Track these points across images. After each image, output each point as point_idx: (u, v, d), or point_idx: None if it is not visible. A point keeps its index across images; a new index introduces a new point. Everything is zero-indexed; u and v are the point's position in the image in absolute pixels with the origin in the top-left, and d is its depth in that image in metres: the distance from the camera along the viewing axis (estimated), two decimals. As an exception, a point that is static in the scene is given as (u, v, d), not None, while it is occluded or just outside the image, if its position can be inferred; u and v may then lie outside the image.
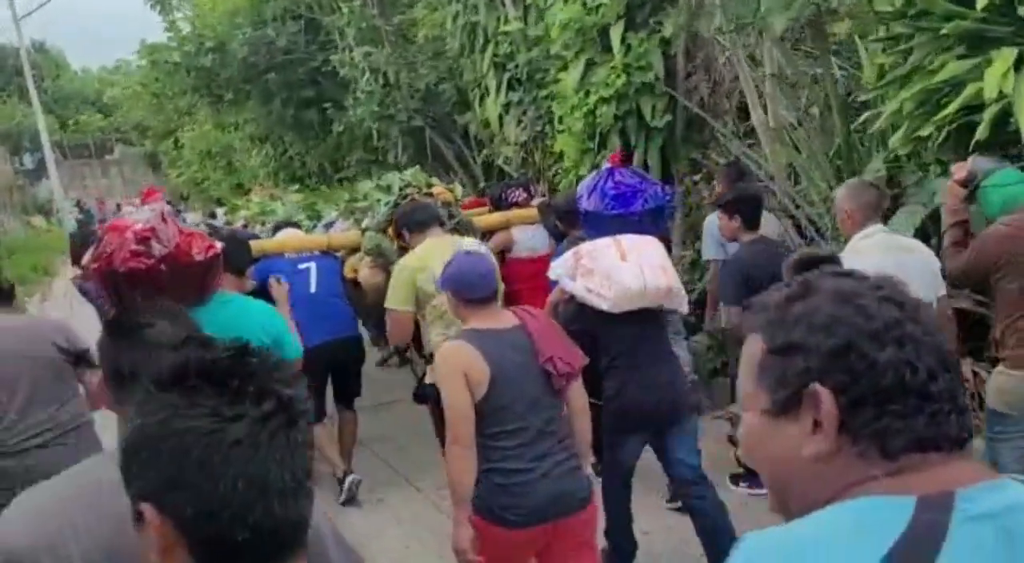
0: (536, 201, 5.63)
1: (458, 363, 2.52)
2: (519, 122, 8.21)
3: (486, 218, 5.39)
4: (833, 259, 2.75)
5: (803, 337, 0.88)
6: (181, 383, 0.86)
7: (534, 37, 7.86)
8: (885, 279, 0.93)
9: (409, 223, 4.20)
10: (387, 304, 3.91)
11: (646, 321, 3.35)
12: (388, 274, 4.35)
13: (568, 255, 3.51)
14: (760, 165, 6.02)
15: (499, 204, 5.62)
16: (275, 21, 11.11)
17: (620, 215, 3.74)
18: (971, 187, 3.16)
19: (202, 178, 28.09)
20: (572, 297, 3.40)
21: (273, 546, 0.86)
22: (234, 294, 3.14)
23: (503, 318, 2.69)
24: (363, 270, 4.99)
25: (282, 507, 0.85)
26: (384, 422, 6.02)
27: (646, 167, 6.53)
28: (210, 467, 0.82)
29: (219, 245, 2.85)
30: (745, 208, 4.12)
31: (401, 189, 5.07)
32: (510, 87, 8.26)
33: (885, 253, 3.23)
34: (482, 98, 8.71)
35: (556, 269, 3.50)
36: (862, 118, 4.76)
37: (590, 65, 6.63)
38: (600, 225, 3.72)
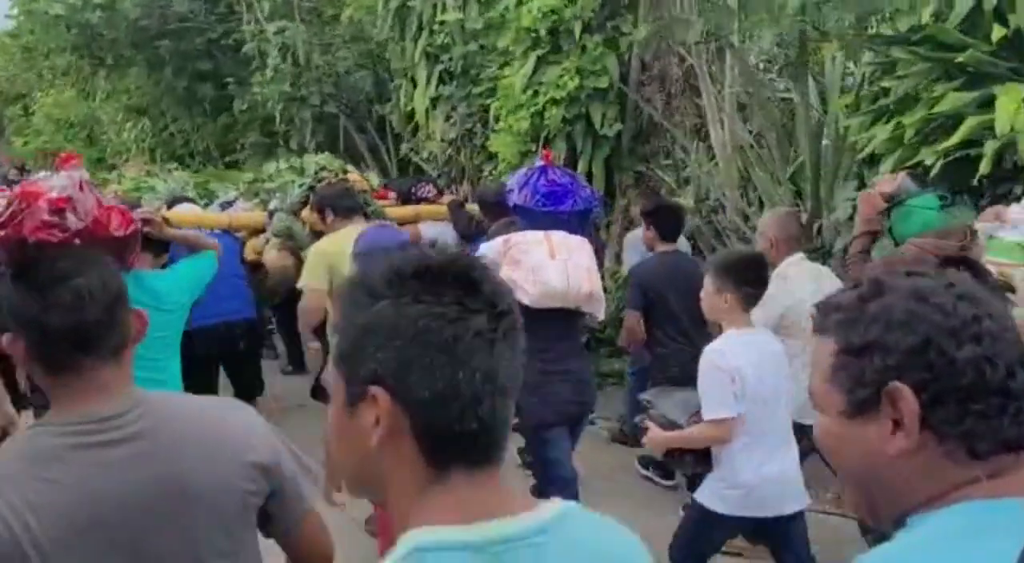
0: (446, 198, 5.55)
1: None
2: (448, 117, 7.79)
3: (395, 210, 5.23)
4: (759, 260, 2.94)
5: (880, 335, 0.88)
6: (422, 277, 0.84)
7: (472, 30, 7.49)
8: (957, 276, 0.93)
9: (336, 206, 4.06)
10: (302, 283, 3.83)
11: (564, 318, 3.37)
12: (297, 258, 4.26)
13: (499, 241, 3.44)
14: (703, 184, 5.93)
15: (407, 198, 5.51)
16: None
17: (550, 213, 3.77)
18: (893, 203, 3.15)
19: (54, 148, 25.74)
20: None
21: (490, 443, 0.86)
22: (149, 272, 3.05)
23: None
24: (270, 252, 4.87)
25: (503, 405, 0.86)
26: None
27: (590, 176, 6.31)
28: (453, 353, 0.82)
29: (138, 221, 2.67)
30: (664, 220, 4.24)
31: (316, 172, 4.92)
32: (441, 80, 7.84)
33: (813, 280, 3.45)
34: (408, 89, 8.23)
35: (485, 253, 3.37)
36: (850, 140, 4.67)
37: (540, 63, 6.34)
38: (529, 221, 3.72)
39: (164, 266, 3.43)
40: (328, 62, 8.80)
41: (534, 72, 6.31)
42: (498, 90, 7.26)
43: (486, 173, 7.52)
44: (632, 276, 4.32)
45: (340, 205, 4.06)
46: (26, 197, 2.49)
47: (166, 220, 3.44)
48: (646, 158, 6.55)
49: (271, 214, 4.83)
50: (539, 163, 4.04)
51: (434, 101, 7.88)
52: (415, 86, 8.16)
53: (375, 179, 5.77)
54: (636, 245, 4.86)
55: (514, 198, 3.90)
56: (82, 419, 1.27)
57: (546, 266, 3.25)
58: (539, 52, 6.30)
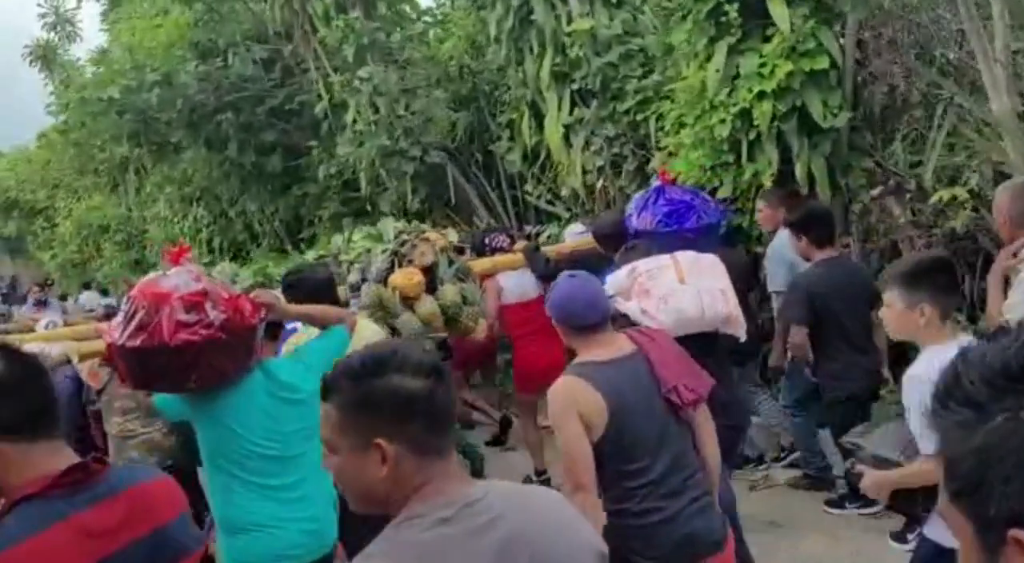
0: (519, 245, 5.40)
1: (570, 400, 2.36)
2: (586, 144, 6.65)
3: (473, 264, 5.11)
4: (949, 263, 2.63)
5: None
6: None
7: (607, 38, 6.39)
8: None
9: None
10: None
11: (701, 341, 3.14)
12: (392, 329, 4.18)
13: (623, 272, 3.29)
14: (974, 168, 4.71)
15: (481, 251, 5.43)
16: (230, 49, 9.14)
17: (674, 232, 3.67)
18: None
19: (82, 258, 25.01)
20: (624, 316, 3.13)
21: None
22: (276, 360, 2.91)
23: (617, 345, 2.51)
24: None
25: None
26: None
27: (811, 181, 5.11)
28: None
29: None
30: (817, 226, 4.07)
31: (396, 236, 4.73)
32: (573, 102, 6.71)
33: None
34: (530, 121, 7.11)
35: (610, 287, 3.21)
36: None
37: (731, 53, 5.18)
38: (654, 244, 3.56)
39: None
40: (426, 106, 7.70)
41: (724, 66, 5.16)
42: (651, 103, 6.15)
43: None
44: (795, 287, 4.08)
45: None
46: (153, 299, 2.34)
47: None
48: (867, 152, 5.34)
49: (353, 288, 4.65)
50: (656, 183, 3.87)
51: (568, 128, 6.74)
52: (536, 118, 7.05)
53: (453, 235, 5.39)
54: (780, 257, 4.52)
55: (634, 223, 3.80)
56: (449, 503, 1.26)
57: (677, 292, 3.11)
58: (730, 40, 5.16)
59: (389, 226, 4.99)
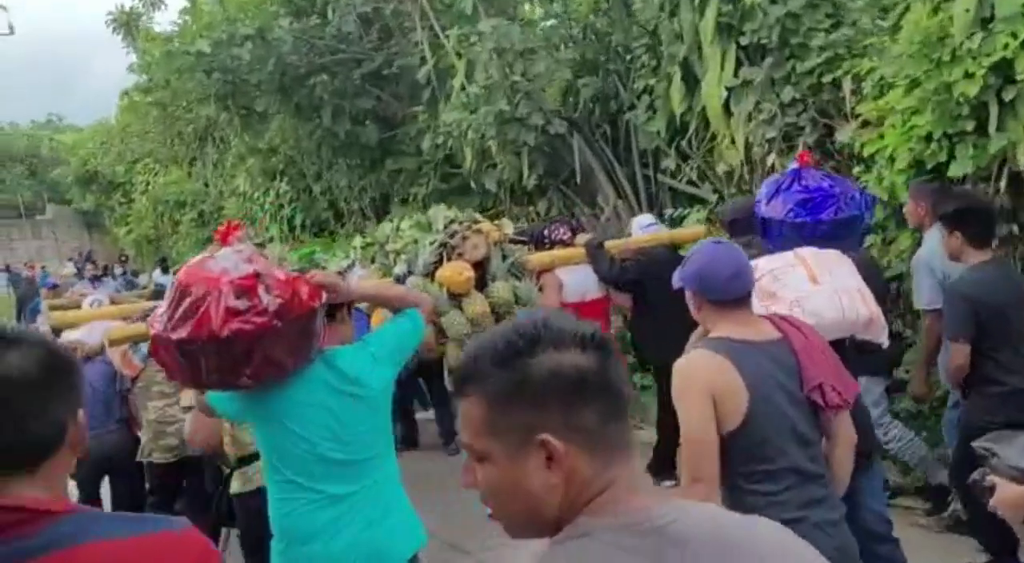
0: (580, 239, 4.96)
1: (704, 379, 2.05)
2: (754, 112, 5.54)
3: (530, 258, 4.65)
4: None
5: None
6: None
7: (789, -18, 5.27)
8: None
9: None
10: None
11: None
12: (436, 327, 3.93)
13: None
14: None
15: (540, 243, 4.98)
16: (329, 4, 8.25)
17: (805, 224, 3.28)
18: None
19: (157, 235, 24.86)
20: None
21: None
22: (340, 349, 2.48)
23: (761, 327, 2.18)
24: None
25: None
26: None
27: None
28: None
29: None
30: (975, 222, 3.58)
31: (446, 226, 4.36)
32: (739, 62, 5.62)
33: None
34: (679, 85, 6.03)
35: None
36: None
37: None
38: (779, 235, 3.26)
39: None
40: (547, 70, 6.68)
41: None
42: (841, 61, 5.01)
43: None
44: (953, 295, 3.54)
45: None
46: (201, 284, 2.11)
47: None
48: None
49: (398, 280, 4.30)
50: (792, 166, 3.55)
51: (731, 91, 5.65)
52: (688, 81, 5.97)
53: (509, 227, 4.91)
54: (927, 267, 3.92)
55: (762, 210, 3.46)
56: (631, 525, 0.99)
57: (811, 295, 2.69)
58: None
59: (440, 215, 4.53)
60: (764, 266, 2.85)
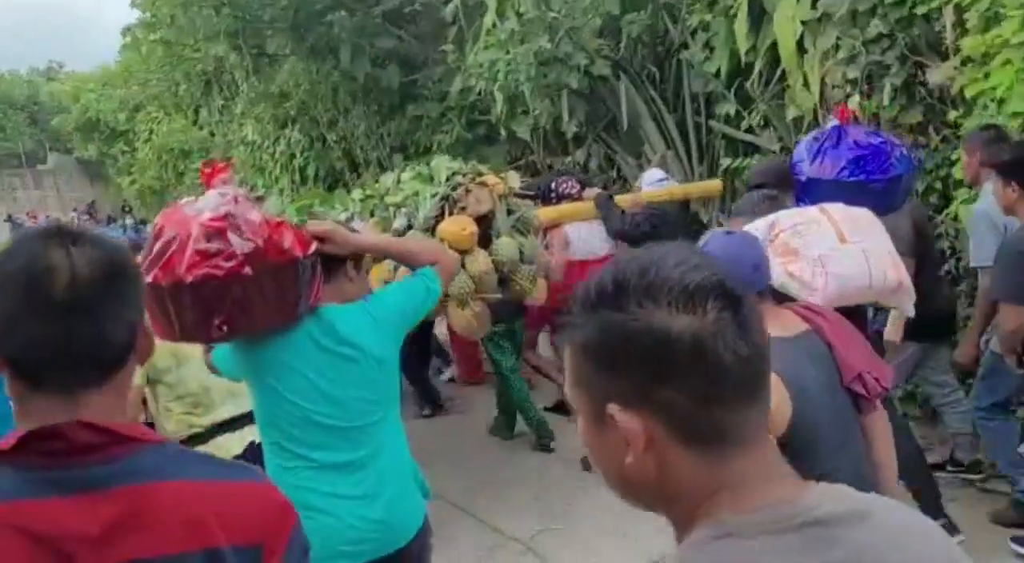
0: (589, 192, 4.81)
1: None
2: (832, 50, 4.93)
3: (537, 213, 4.47)
4: None
5: None
6: None
7: None
8: None
9: None
10: None
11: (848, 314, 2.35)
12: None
13: (762, 225, 2.61)
14: None
15: (547, 198, 4.87)
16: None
17: (860, 184, 3.14)
18: None
19: (162, 185, 24.27)
20: None
21: None
22: (337, 307, 2.29)
23: (787, 320, 2.05)
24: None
25: None
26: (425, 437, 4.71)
27: None
28: None
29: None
30: None
31: (449, 178, 4.12)
32: (815, -9, 4.99)
33: None
34: (743, 19, 5.41)
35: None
36: None
37: None
38: (828, 197, 2.88)
39: None
40: (594, 3, 6.04)
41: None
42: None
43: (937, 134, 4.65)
44: (1009, 254, 3.24)
45: None
46: (174, 227, 2.03)
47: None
48: None
49: (398, 235, 4.07)
50: (832, 122, 3.40)
51: (806, 26, 5.03)
52: (754, 16, 5.35)
53: (515, 180, 4.53)
54: (987, 220, 3.62)
55: (806, 170, 3.27)
56: (782, 518, 0.81)
57: (837, 254, 2.49)
58: None
59: (442, 166, 4.29)
60: (785, 221, 2.65)
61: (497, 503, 4.38)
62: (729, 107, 5.86)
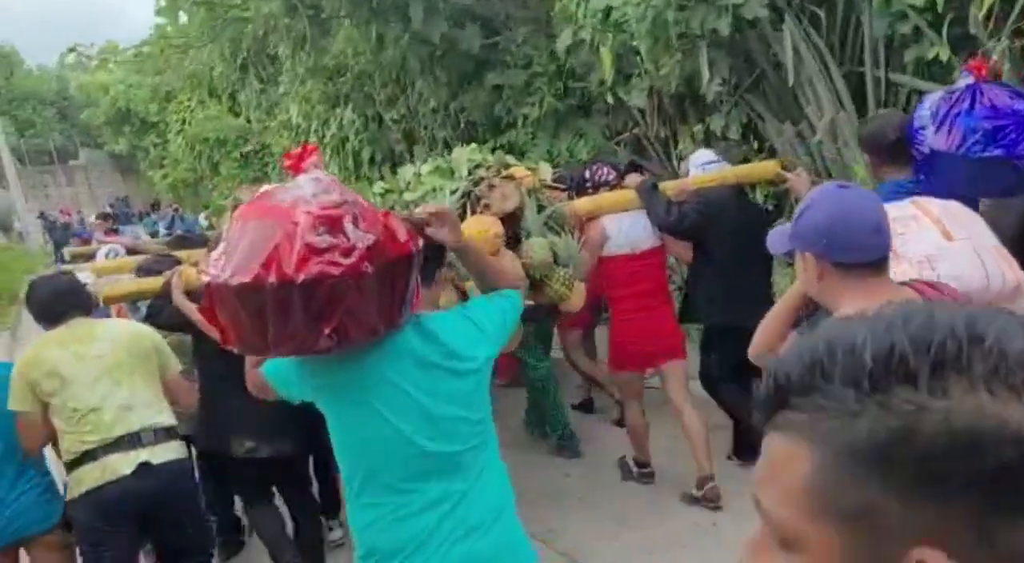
0: (631, 180, 4.24)
1: None
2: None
3: (570, 205, 4.01)
4: None
5: None
6: None
7: None
8: None
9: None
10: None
11: None
12: (462, 294, 3.33)
13: None
14: None
15: (581, 188, 4.31)
16: None
17: (996, 160, 2.66)
18: None
19: (195, 178, 23.39)
20: None
21: None
22: (435, 315, 2.11)
23: (901, 296, 1.69)
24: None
25: None
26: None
27: None
28: None
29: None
30: None
31: (471, 171, 3.72)
32: None
33: None
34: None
35: None
36: None
37: None
38: (952, 175, 2.71)
39: None
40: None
41: None
42: None
43: None
44: None
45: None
46: (271, 216, 1.74)
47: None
48: None
49: None
50: (965, 78, 2.79)
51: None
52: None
53: (546, 171, 4.06)
54: None
55: (930, 140, 2.76)
56: None
57: (946, 253, 2.14)
58: None
59: (463, 158, 3.87)
60: None
61: (535, 512, 3.93)
62: (929, 51, 4.51)
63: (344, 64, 8.47)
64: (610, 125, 7.10)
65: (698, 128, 5.89)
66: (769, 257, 3.81)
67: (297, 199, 1.74)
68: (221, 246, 1.79)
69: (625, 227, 4.10)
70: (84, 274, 3.91)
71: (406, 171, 4.09)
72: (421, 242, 1.90)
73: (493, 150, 5.90)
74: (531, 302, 3.57)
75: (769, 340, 2.09)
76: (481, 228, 3.39)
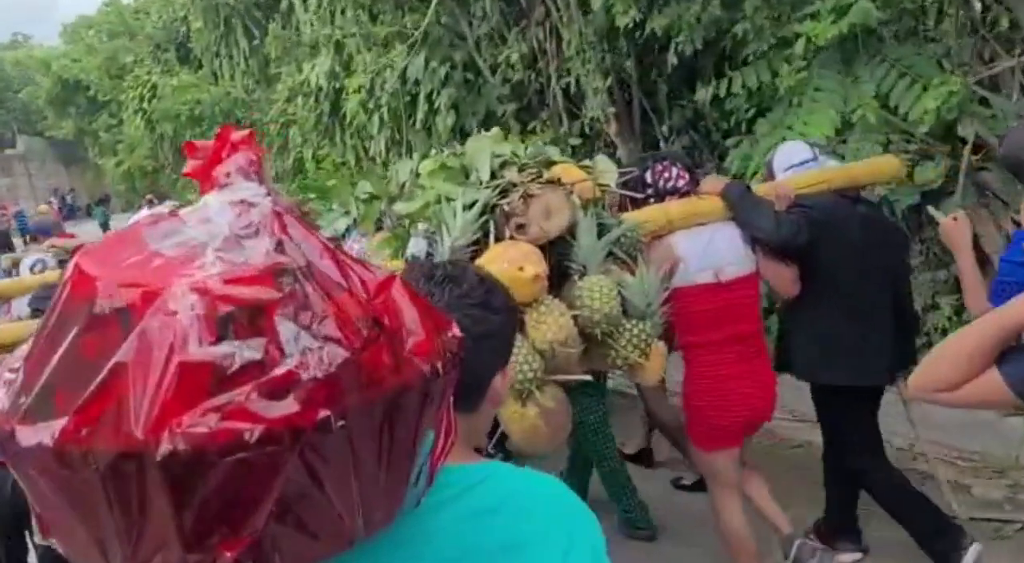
0: (711, 182, 3.03)
1: None
2: None
3: (630, 216, 2.89)
4: None
5: None
6: None
7: None
8: None
9: None
10: None
11: None
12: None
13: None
14: None
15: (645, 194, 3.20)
16: None
17: None
18: None
19: (156, 165, 20.06)
20: None
21: None
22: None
23: None
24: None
25: None
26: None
27: None
28: None
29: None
30: None
31: (495, 172, 2.56)
32: None
33: None
34: None
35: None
36: None
37: None
38: None
39: None
40: None
41: None
42: None
43: None
44: None
45: None
46: (121, 295, 0.75)
47: None
48: None
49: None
50: None
51: None
52: None
53: (610, 170, 2.87)
54: None
55: None
56: None
57: None
58: None
59: (486, 151, 2.61)
60: None
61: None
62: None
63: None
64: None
65: None
66: (904, 291, 3.09)
67: (191, 253, 0.74)
68: (18, 354, 0.82)
69: (702, 247, 2.92)
70: None
71: (401, 169, 3.03)
72: (457, 344, 0.86)
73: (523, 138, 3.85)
74: (587, 377, 2.54)
75: (955, 374, 1.48)
76: (512, 266, 2.27)
